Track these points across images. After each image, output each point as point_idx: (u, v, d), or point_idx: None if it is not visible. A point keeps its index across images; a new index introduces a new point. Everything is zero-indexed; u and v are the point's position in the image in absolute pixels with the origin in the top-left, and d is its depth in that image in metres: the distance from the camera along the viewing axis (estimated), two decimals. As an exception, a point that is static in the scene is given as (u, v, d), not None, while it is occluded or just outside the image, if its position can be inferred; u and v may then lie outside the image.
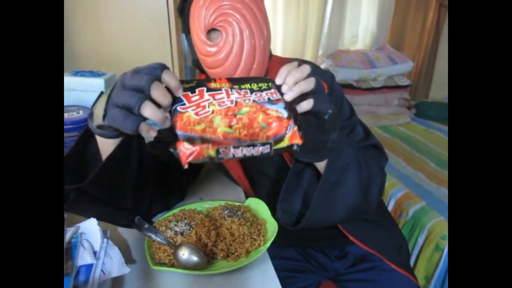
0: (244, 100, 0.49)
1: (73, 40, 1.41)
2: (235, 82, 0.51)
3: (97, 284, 0.48)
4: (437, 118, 2.39)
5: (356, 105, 2.16)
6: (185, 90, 0.48)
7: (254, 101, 0.49)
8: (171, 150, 0.45)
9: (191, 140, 0.44)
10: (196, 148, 0.44)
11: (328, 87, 0.68)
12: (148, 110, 0.43)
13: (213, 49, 0.62)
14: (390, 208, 1.54)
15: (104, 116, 0.46)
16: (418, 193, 1.50)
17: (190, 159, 0.44)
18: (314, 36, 2.39)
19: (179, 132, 0.44)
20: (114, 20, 1.41)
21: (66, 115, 0.79)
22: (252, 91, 0.50)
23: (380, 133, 2.22)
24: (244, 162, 0.80)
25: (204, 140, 0.45)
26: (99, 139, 0.53)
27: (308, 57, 2.44)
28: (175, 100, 0.47)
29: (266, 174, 0.79)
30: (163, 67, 0.46)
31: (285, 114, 0.49)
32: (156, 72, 0.45)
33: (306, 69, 0.51)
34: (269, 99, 0.50)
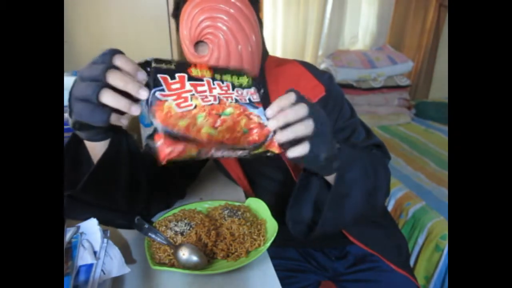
0: (227, 98, 0.47)
1: (73, 40, 1.40)
2: (216, 71, 0.49)
3: (97, 284, 0.48)
4: (437, 118, 2.38)
5: (356, 105, 2.15)
6: (163, 71, 0.44)
7: (236, 100, 0.48)
8: (148, 143, 0.42)
9: (172, 137, 0.41)
10: (179, 148, 0.41)
11: (325, 89, 0.68)
12: (107, 97, 0.42)
13: (201, 60, 0.62)
14: (390, 208, 1.54)
15: (71, 113, 0.45)
16: (418, 193, 1.50)
17: (170, 157, 0.41)
18: (314, 36, 2.39)
19: (159, 124, 0.41)
20: (114, 20, 1.41)
21: (66, 115, 0.79)
22: (233, 86, 0.49)
23: (380, 133, 2.22)
24: (244, 163, 0.80)
25: (187, 140, 0.42)
26: (89, 145, 0.52)
27: (308, 57, 2.44)
28: (151, 84, 0.43)
29: (266, 175, 0.79)
30: (114, 52, 0.43)
31: (265, 121, 0.49)
32: (108, 58, 0.43)
33: (302, 111, 0.47)
34: (250, 100, 0.49)
